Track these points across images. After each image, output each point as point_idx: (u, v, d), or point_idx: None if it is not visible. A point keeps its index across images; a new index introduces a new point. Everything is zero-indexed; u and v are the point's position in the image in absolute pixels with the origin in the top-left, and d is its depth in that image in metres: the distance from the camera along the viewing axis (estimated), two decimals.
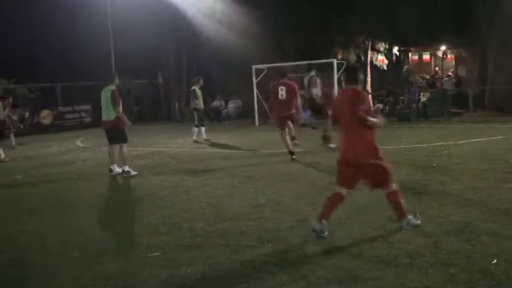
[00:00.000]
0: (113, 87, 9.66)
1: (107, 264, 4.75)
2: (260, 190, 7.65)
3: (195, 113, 15.16)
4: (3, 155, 13.12)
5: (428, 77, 24.40)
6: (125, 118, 9.70)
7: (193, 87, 15.20)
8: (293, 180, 8.34)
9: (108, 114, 9.68)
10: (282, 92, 10.45)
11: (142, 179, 9.27)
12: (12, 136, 15.90)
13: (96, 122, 24.49)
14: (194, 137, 15.05)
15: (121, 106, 9.74)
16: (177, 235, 5.58)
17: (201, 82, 15.24)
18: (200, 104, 15.11)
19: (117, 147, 9.81)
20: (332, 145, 11.07)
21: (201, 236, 5.48)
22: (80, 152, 14.25)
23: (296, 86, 10.87)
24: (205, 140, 14.99)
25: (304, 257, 4.63)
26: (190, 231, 5.69)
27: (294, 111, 10.59)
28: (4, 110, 14.56)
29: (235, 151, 12.63)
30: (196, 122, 15.19)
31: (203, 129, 15.26)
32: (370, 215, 5.87)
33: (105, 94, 9.62)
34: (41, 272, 4.67)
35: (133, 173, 9.74)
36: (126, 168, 9.77)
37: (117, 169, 9.85)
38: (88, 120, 24.52)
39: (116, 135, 9.70)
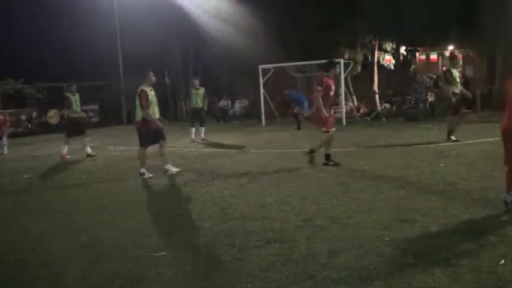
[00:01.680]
0: (145, 86, 9.19)
1: (114, 264, 4.77)
2: (266, 190, 7.64)
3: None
4: (90, 150, 13.01)
5: (435, 76, 24.32)
6: (152, 119, 9.15)
7: None
8: (299, 180, 8.34)
9: (137, 114, 9.36)
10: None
11: (149, 179, 9.28)
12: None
13: (103, 121, 24.70)
14: (192, 136, 15.18)
15: (152, 106, 9.26)
16: (183, 235, 5.59)
17: (195, 83, 15.39)
18: (192, 104, 15.21)
19: (145, 149, 9.43)
20: (452, 137, 11.58)
21: (207, 235, 5.49)
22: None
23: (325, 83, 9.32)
24: (192, 141, 14.99)
25: (310, 257, 4.62)
26: (196, 231, 5.69)
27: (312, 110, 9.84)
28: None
29: (241, 151, 12.63)
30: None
31: (193, 130, 15.34)
32: (376, 215, 5.85)
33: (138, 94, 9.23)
34: (47, 272, 4.68)
35: (174, 170, 9.52)
36: (168, 167, 9.53)
37: (173, 168, 9.52)
38: (95, 120, 24.65)
39: (147, 136, 9.29)
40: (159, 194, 7.89)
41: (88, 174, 10.33)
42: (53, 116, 22.85)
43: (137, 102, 9.19)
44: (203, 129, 15.42)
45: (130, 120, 25.84)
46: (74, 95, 13.14)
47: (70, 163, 12.01)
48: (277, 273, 4.27)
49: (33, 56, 26.90)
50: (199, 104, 15.26)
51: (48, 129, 21.97)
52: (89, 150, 13.00)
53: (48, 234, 5.96)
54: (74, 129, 13.05)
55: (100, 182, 9.39)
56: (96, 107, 25.02)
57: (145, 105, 9.00)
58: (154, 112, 9.39)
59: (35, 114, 22.31)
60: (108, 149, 14.84)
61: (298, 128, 17.54)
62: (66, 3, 25.97)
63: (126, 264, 4.74)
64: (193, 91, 15.24)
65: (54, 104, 23.74)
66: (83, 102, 24.53)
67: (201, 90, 15.36)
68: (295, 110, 18.32)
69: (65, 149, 12.91)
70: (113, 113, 26.39)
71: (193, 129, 15.33)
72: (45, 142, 17.80)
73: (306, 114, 17.82)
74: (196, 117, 15.32)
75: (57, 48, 26.79)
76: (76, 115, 13.14)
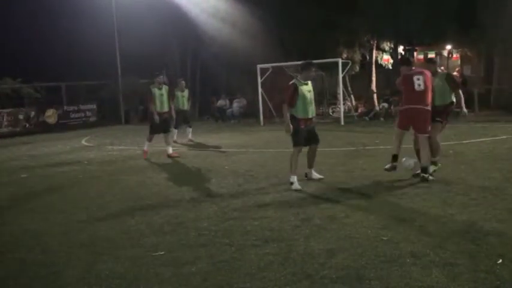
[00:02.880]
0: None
1: (112, 263, 4.76)
2: (264, 190, 7.65)
3: None
4: (170, 150, 12.11)
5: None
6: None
7: None
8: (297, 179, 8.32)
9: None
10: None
11: (147, 178, 9.28)
12: None
13: (101, 121, 24.68)
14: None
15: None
16: (181, 234, 5.59)
17: (182, 85, 15.08)
18: (179, 106, 14.72)
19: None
20: None
21: (205, 235, 5.49)
22: (85, 151, 14.29)
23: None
24: (174, 141, 14.61)
25: (308, 256, 4.63)
26: (195, 230, 5.69)
27: None
28: None
29: (240, 150, 12.63)
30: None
31: (176, 131, 15.01)
32: (374, 215, 5.86)
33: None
34: (45, 271, 4.67)
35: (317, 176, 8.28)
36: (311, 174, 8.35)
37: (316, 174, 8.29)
38: (93, 119, 24.63)
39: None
40: (157, 193, 7.88)
41: (86, 173, 10.33)
42: (50, 115, 22.82)
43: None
44: (190, 130, 15.24)
45: (128, 119, 25.86)
46: (160, 89, 12.15)
47: (68, 163, 11.99)
48: (275, 273, 4.27)
49: (31, 56, 26.89)
50: (185, 106, 15.09)
51: (46, 128, 21.96)
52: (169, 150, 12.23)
53: (47, 234, 5.96)
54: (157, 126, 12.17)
55: (98, 181, 9.38)
56: (94, 106, 24.98)
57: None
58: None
59: (33, 113, 22.27)
60: (106, 148, 14.83)
61: None
62: (64, 3, 25.97)
63: (125, 264, 4.74)
64: (180, 93, 14.96)
65: (52, 103, 23.75)
66: (80, 101, 24.80)
67: (186, 92, 15.19)
68: None
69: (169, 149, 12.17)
70: (111, 112, 26.38)
71: (176, 131, 15.01)
72: (43, 142, 17.78)
73: None
74: (182, 119, 15.11)
75: (55, 48, 26.80)
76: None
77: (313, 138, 8.18)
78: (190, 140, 15.00)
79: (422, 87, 7.55)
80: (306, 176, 8.29)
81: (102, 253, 5.10)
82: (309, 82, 8.15)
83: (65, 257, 5.05)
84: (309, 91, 8.01)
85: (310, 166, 8.35)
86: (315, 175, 8.32)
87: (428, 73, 7.75)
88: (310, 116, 8.02)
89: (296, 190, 7.51)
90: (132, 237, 5.63)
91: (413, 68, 8.01)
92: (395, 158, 7.88)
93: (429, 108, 7.60)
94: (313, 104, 8.12)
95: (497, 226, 5.19)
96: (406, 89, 7.77)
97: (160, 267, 4.59)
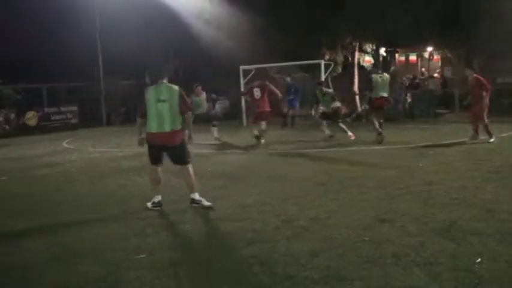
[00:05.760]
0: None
1: (93, 266, 4.72)
2: (247, 191, 7.64)
3: None
4: (327, 131, 13.60)
5: (411, 76, 24.50)
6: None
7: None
8: (278, 180, 8.35)
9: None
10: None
11: (129, 180, 9.22)
12: None
13: (82, 123, 24.44)
14: None
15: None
16: (163, 236, 5.56)
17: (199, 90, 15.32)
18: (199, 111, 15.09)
19: None
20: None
21: (187, 237, 5.48)
22: (66, 154, 14.13)
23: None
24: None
25: (290, 257, 4.63)
26: (177, 232, 5.67)
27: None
28: None
29: (222, 151, 12.61)
30: None
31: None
32: (356, 216, 5.89)
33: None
34: (25, 275, 4.62)
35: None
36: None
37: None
38: (74, 121, 24.38)
39: None
40: (139, 195, 7.82)
41: (67, 176, 10.22)
42: (31, 117, 22.55)
43: None
44: (215, 129, 15.39)
45: (110, 121, 25.66)
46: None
47: (49, 165, 11.85)
48: (257, 274, 4.28)
49: (11, 57, 26.53)
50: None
51: (26, 131, 21.69)
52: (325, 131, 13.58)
53: (26, 237, 5.88)
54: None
55: (79, 183, 9.29)
56: (75, 108, 24.72)
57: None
58: None
59: (13, 115, 21.97)
60: (87, 150, 14.69)
61: (285, 125, 17.78)
62: (47, 3, 25.69)
63: (106, 267, 4.69)
64: (196, 98, 15.12)
65: (32, 105, 23.46)
66: (61, 103, 24.54)
67: (204, 96, 15.46)
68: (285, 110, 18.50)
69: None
70: (93, 114, 26.16)
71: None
72: (24, 144, 17.56)
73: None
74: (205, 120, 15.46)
75: (36, 49, 26.47)
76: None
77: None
78: (217, 139, 15.04)
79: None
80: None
81: (83, 256, 5.04)
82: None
83: (45, 260, 4.99)
84: None
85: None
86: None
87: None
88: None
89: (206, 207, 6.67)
90: (113, 239, 5.59)
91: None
92: None
93: None
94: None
95: (476, 225, 5.25)
96: None
97: (142, 269, 4.56)
